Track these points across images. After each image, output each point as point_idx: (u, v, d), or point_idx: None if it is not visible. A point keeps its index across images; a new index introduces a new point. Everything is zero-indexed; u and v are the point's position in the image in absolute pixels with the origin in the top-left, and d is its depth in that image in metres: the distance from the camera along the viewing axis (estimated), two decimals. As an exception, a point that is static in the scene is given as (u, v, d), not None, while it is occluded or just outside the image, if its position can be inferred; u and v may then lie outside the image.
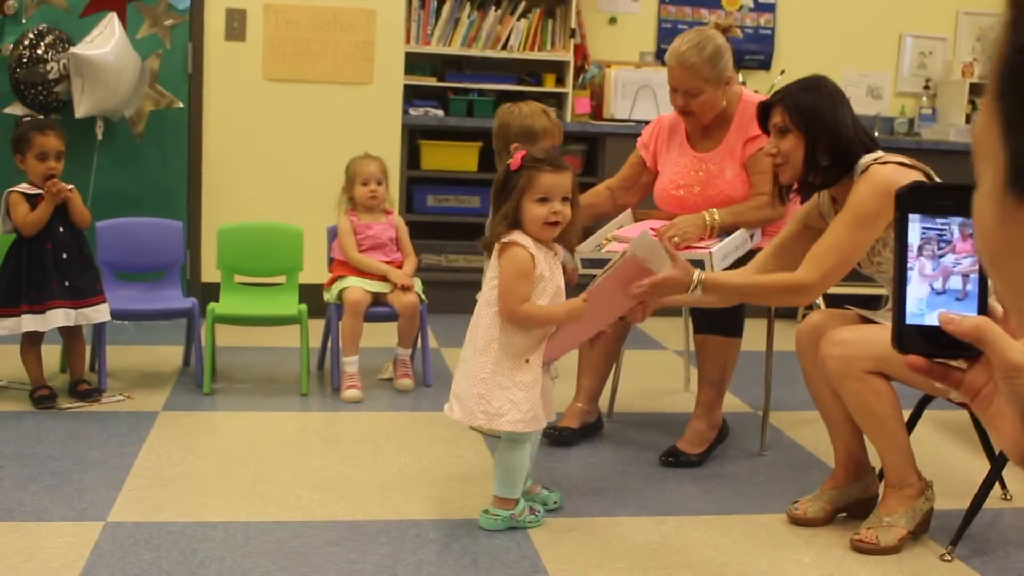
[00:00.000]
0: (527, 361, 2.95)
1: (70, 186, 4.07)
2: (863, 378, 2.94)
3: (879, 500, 3.12)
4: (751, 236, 3.63)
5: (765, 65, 6.54)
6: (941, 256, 0.90)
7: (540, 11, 6.03)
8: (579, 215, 3.05)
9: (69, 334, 4.18)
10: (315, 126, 5.72)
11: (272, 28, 5.64)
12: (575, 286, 3.23)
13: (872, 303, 4.48)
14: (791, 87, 3.11)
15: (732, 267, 3.41)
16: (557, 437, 3.80)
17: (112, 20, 5.18)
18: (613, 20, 6.40)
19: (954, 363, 0.86)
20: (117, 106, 5.30)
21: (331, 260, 4.60)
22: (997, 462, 3.13)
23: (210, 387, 4.32)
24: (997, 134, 0.62)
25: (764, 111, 3.14)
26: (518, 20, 5.99)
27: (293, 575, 2.73)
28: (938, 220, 0.90)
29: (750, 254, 3.55)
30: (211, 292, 4.84)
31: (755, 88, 5.48)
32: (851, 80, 6.55)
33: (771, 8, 6.55)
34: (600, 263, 3.49)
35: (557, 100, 5.96)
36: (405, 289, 4.40)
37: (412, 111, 5.88)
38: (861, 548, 3.00)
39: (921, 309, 0.89)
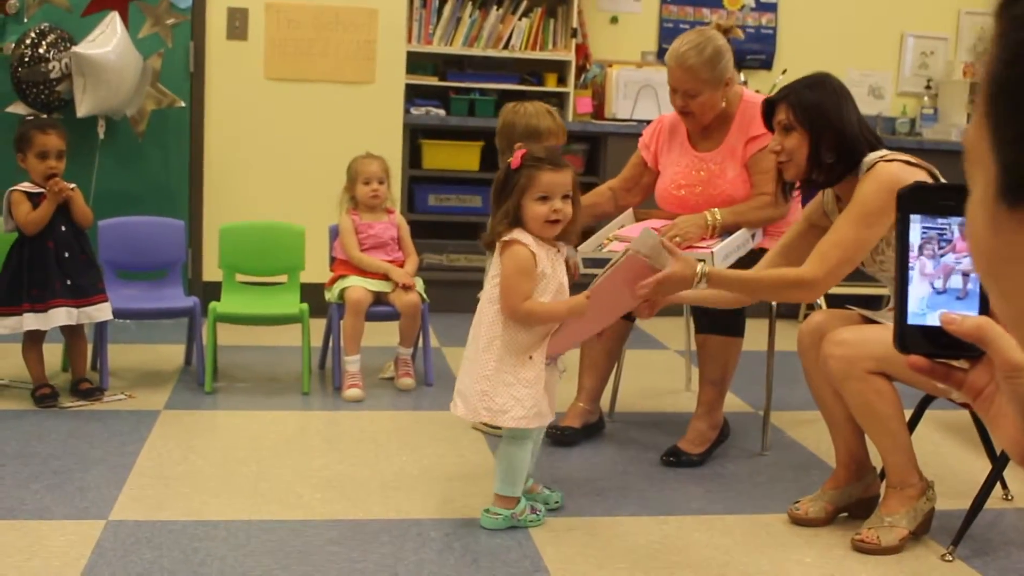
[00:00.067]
0: (530, 358, 2.97)
1: (72, 185, 4.08)
2: (865, 378, 2.94)
3: (880, 500, 3.12)
4: (752, 236, 3.63)
5: (767, 65, 6.54)
6: (942, 256, 0.90)
7: (542, 10, 6.03)
8: (580, 212, 3.05)
9: (71, 333, 4.18)
10: (317, 125, 5.72)
11: (274, 27, 5.65)
12: (576, 282, 3.23)
13: (873, 303, 4.49)
14: (795, 84, 3.10)
15: (734, 267, 3.41)
16: (559, 437, 3.80)
17: (114, 19, 5.18)
18: (615, 20, 6.40)
19: (956, 363, 0.87)
20: (119, 105, 5.30)
21: (332, 259, 4.60)
22: (998, 462, 3.13)
23: (211, 386, 4.32)
24: (987, 145, 0.62)
25: (768, 108, 3.14)
26: (520, 19, 5.99)
27: (295, 574, 2.73)
28: (939, 220, 0.90)
29: (752, 254, 3.55)
30: (213, 291, 4.84)
31: (756, 88, 5.49)
32: (852, 80, 6.54)
33: (772, 8, 6.55)
34: (602, 263, 3.49)
35: (559, 100, 5.96)
36: (406, 288, 4.40)
37: (414, 110, 5.88)
38: (862, 548, 3.00)
39: (922, 309, 0.89)
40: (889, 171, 2.94)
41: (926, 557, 3.00)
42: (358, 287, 4.38)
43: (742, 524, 3.20)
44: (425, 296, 4.48)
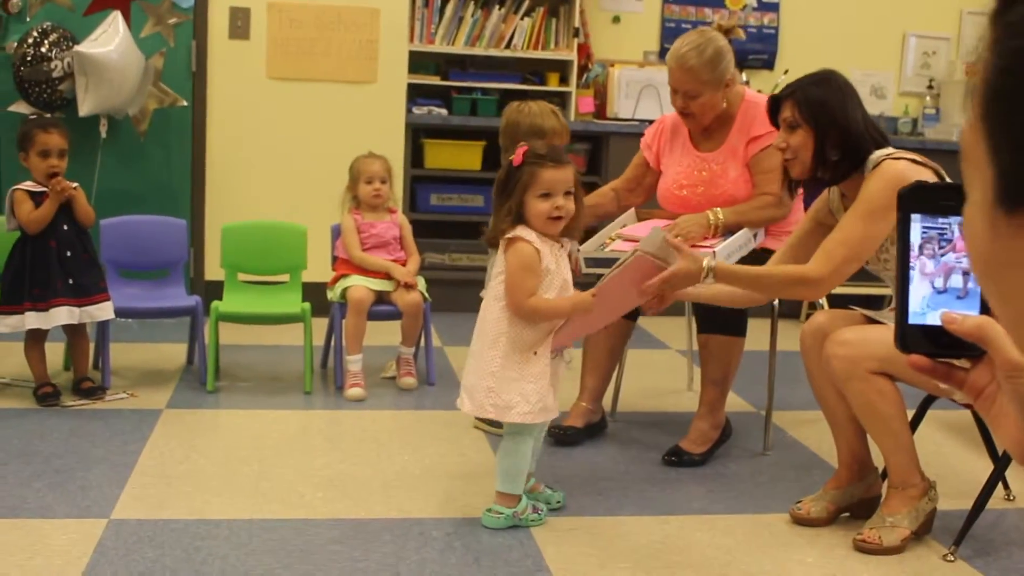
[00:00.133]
0: (535, 353, 2.98)
1: (74, 184, 4.08)
2: (868, 378, 2.94)
3: (882, 500, 3.12)
4: (755, 236, 3.63)
5: (769, 65, 6.54)
6: (942, 255, 0.90)
7: (544, 10, 6.03)
8: (583, 208, 3.07)
9: (73, 332, 4.19)
10: (319, 125, 5.73)
11: (276, 27, 5.65)
12: (579, 280, 3.23)
13: (875, 303, 4.49)
14: (801, 81, 3.09)
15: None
16: (562, 436, 3.80)
17: (116, 18, 5.19)
18: (617, 19, 6.40)
19: (957, 363, 0.87)
20: (121, 104, 5.30)
21: (335, 259, 4.60)
22: (1000, 462, 3.13)
23: (213, 385, 4.32)
24: (984, 150, 0.62)
25: (774, 105, 3.13)
26: (522, 19, 5.99)
27: (296, 573, 2.73)
28: (939, 219, 0.90)
29: (755, 255, 3.55)
30: (215, 290, 4.85)
31: (758, 88, 5.49)
32: (855, 80, 6.45)
33: (775, 7, 6.54)
34: (605, 262, 3.50)
35: (561, 99, 5.96)
36: (408, 287, 4.40)
37: (416, 110, 5.88)
38: (864, 548, 2.99)
39: (923, 308, 0.89)
40: (896, 168, 2.94)
41: (928, 557, 3.00)
42: (360, 286, 4.38)
43: (744, 524, 3.20)
44: (427, 295, 4.48)
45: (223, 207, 5.60)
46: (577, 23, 6.02)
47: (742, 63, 6.05)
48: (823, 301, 3.98)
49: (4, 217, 4.10)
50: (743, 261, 3.49)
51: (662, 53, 6.26)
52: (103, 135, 5.39)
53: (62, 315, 4.00)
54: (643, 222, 3.89)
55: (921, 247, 0.90)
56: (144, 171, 5.66)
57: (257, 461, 3.55)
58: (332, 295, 4.49)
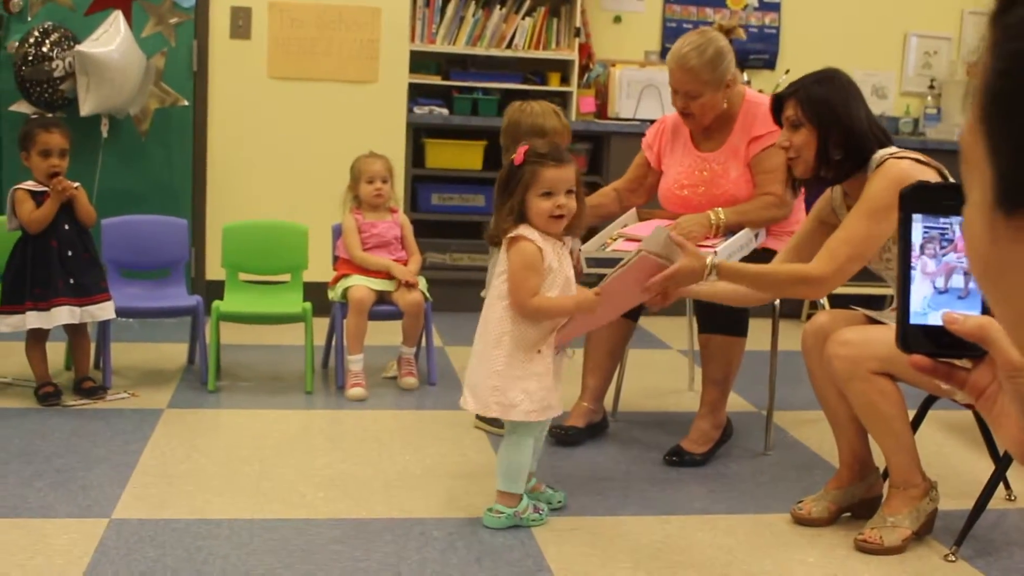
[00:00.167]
0: (539, 352, 2.99)
1: (76, 184, 4.08)
2: (869, 378, 2.93)
3: (883, 500, 3.12)
4: (756, 236, 3.63)
5: (770, 64, 6.54)
6: (944, 255, 0.90)
7: (545, 10, 6.03)
8: (584, 206, 3.07)
9: (74, 331, 4.19)
10: (320, 124, 5.73)
11: (277, 26, 5.65)
12: (580, 281, 3.24)
13: (876, 303, 4.49)
14: (804, 80, 3.09)
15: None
16: (563, 436, 3.80)
17: (117, 18, 5.19)
18: (618, 19, 6.40)
19: (958, 363, 0.87)
20: (122, 104, 5.31)
21: (336, 258, 4.60)
22: (1001, 462, 3.13)
23: (215, 385, 4.32)
24: (983, 153, 0.62)
25: (777, 104, 3.13)
26: (523, 19, 5.99)
27: (297, 573, 2.73)
28: (941, 219, 0.90)
29: (757, 255, 3.55)
30: (216, 290, 4.85)
31: (760, 88, 5.48)
32: (856, 80, 6.51)
33: (776, 7, 6.54)
34: (606, 262, 3.50)
35: (562, 99, 5.96)
36: (409, 286, 4.40)
37: (417, 109, 5.88)
38: (865, 548, 2.99)
39: (924, 308, 0.89)
40: (900, 168, 2.93)
41: (929, 557, 3.00)
42: (361, 286, 4.38)
43: (745, 524, 3.20)
44: (428, 295, 4.48)
45: (224, 207, 5.61)
46: (578, 23, 6.02)
47: (743, 63, 6.05)
48: (824, 301, 3.98)
49: (5, 217, 4.10)
50: (745, 261, 3.49)
51: (663, 53, 6.26)
52: (104, 135, 5.39)
53: (63, 315, 4.00)
54: (644, 222, 3.89)
55: (923, 247, 0.90)
56: (145, 171, 5.66)
57: (258, 461, 3.55)
58: (333, 295, 4.49)
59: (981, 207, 0.64)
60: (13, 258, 4.05)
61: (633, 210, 3.96)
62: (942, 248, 0.90)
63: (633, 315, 3.85)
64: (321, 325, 4.66)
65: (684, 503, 3.35)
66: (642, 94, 6.09)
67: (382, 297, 4.43)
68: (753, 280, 3.05)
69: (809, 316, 5.74)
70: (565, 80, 6.10)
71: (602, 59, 6.24)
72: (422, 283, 4.49)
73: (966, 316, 0.82)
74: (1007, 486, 3.43)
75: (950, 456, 3.89)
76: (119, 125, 5.52)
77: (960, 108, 6.54)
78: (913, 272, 0.89)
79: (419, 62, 5.92)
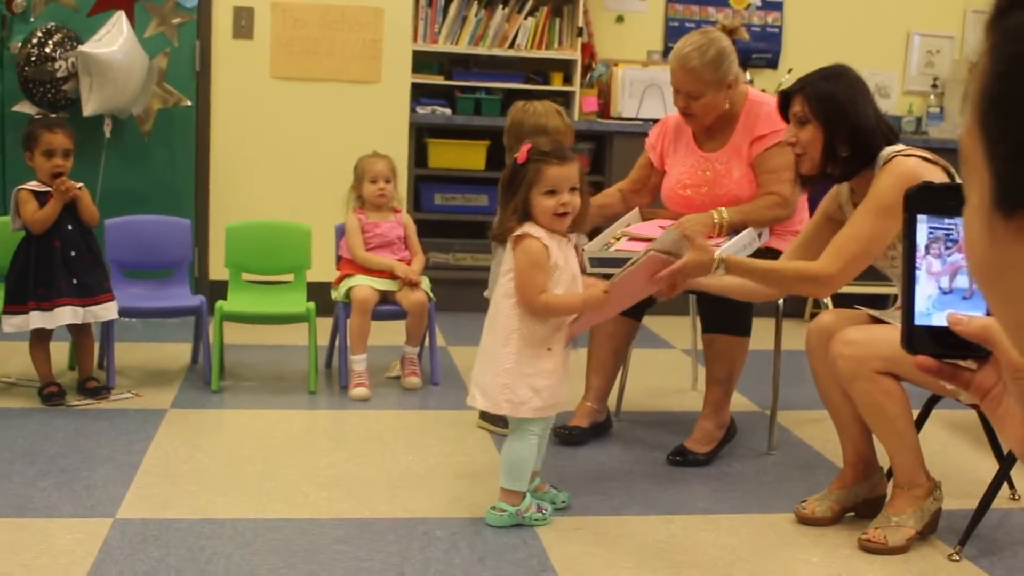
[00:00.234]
0: (549, 349, 3.00)
1: (79, 184, 4.08)
2: (874, 378, 2.93)
3: (887, 500, 3.12)
4: (759, 235, 3.63)
5: (772, 64, 6.53)
6: (948, 256, 0.90)
7: (547, 9, 6.03)
8: (588, 203, 3.09)
9: (77, 331, 4.19)
10: (323, 124, 5.73)
11: (280, 26, 5.65)
12: (585, 273, 3.26)
13: (880, 302, 4.48)
14: (812, 76, 3.07)
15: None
16: (567, 436, 3.80)
17: (120, 18, 5.19)
18: (620, 19, 6.40)
19: (963, 363, 0.87)
20: (125, 104, 5.31)
21: (339, 258, 4.60)
22: (1005, 462, 3.13)
23: (218, 385, 4.33)
24: (981, 155, 0.62)
25: (784, 100, 3.12)
26: (525, 18, 5.99)
27: (301, 573, 2.74)
28: (945, 220, 0.90)
29: (759, 254, 3.54)
30: (219, 290, 4.85)
31: (762, 87, 5.48)
32: (859, 79, 6.53)
33: (778, 6, 6.54)
34: (609, 262, 3.50)
35: (564, 99, 5.95)
36: (412, 285, 4.40)
37: (419, 109, 5.88)
38: (869, 548, 2.99)
39: (929, 309, 0.89)
40: (907, 165, 2.92)
41: (933, 557, 3.00)
42: (364, 286, 4.38)
43: (748, 523, 3.20)
44: (431, 295, 4.48)
45: (227, 207, 5.61)
46: (581, 22, 6.02)
47: (746, 62, 6.04)
48: (828, 301, 3.99)
49: (9, 217, 4.11)
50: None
51: (666, 52, 6.26)
52: (107, 135, 5.40)
53: (66, 315, 4.00)
54: (647, 222, 3.89)
55: (927, 247, 0.90)
56: (148, 171, 5.66)
57: (261, 461, 3.55)
58: (336, 295, 4.49)
59: (980, 209, 0.64)
60: (17, 258, 4.05)
61: (636, 210, 3.96)
62: (947, 249, 0.90)
63: (637, 314, 3.85)
64: (324, 325, 4.66)
65: (688, 503, 3.35)
66: (645, 94, 6.08)
67: (385, 297, 4.43)
68: (760, 276, 3.05)
69: (813, 315, 5.74)
70: (568, 80, 6.10)
71: (605, 59, 6.24)
72: (425, 283, 4.49)
73: (970, 317, 0.82)
74: (1011, 485, 3.43)
75: (954, 455, 3.88)
76: (122, 125, 5.52)
77: (960, 109, 6.62)
78: (918, 273, 0.89)
79: (422, 62, 5.92)
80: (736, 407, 3.96)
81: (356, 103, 5.74)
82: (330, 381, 4.58)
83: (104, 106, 5.19)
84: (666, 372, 4.97)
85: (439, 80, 5.99)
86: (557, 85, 6.06)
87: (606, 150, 6.03)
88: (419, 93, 5.92)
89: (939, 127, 6.61)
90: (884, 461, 3.18)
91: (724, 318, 3.65)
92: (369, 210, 4.52)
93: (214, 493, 3.25)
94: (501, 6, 5.98)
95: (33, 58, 5.16)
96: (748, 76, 6.19)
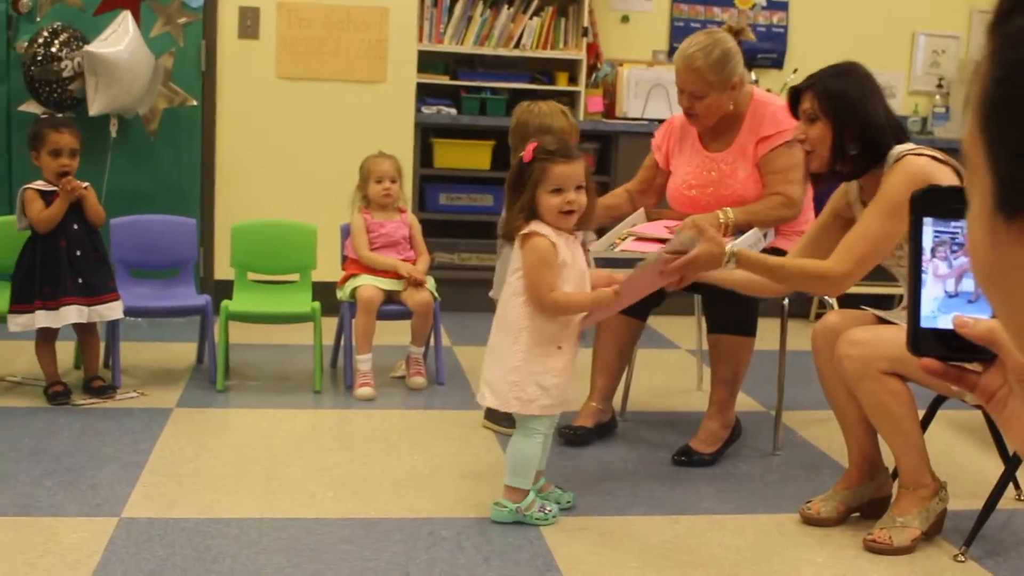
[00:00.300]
0: (559, 348, 3.01)
1: (85, 184, 4.09)
2: (880, 378, 2.93)
3: (892, 500, 3.11)
4: (764, 235, 3.63)
5: (778, 63, 6.53)
6: (954, 259, 0.90)
7: (552, 9, 6.03)
8: (595, 201, 3.09)
9: (83, 331, 4.20)
10: (328, 124, 5.73)
11: (285, 26, 5.66)
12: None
13: (885, 303, 4.47)
14: (823, 73, 3.07)
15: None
16: (572, 436, 3.80)
17: (126, 18, 5.20)
18: (626, 18, 6.40)
19: (969, 366, 0.87)
20: (131, 104, 5.32)
21: (344, 258, 4.61)
22: (1011, 463, 3.12)
23: (223, 384, 4.33)
24: (983, 159, 0.63)
25: (794, 96, 3.11)
26: (531, 18, 5.99)
27: (306, 572, 2.74)
28: (951, 223, 0.90)
29: (765, 253, 3.54)
30: (224, 289, 4.86)
31: (767, 87, 5.48)
32: (865, 79, 6.52)
33: (784, 6, 6.53)
34: (614, 262, 3.50)
35: (569, 99, 5.96)
36: (417, 284, 4.40)
37: (425, 109, 5.89)
38: (874, 548, 2.99)
39: (935, 312, 0.89)
40: (917, 164, 2.92)
41: (938, 557, 3.00)
42: (370, 286, 4.38)
43: (754, 524, 3.20)
44: (437, 295, 4.48)
45: (233, 206, 5.62)
46: (586, 22, 6.02)
47: (751, 62, 6.04)
48: (833, 301, 3.98)
49: (15, 216, 4.12)
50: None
51: (671, 52, 6.26)
52: (113, 135, 5.41)
53: (72, 314, 4.01)
54: (653, 222, 3.89)
55: (933, 250, 0.90)
56: (154, 170, 5.67)
57: (267, 460, 3.56)
58: (342, 294, 4.50)
59: (982, 212, 0.64)
60: (22, 258, 4.06)
61: (641, 210, 3.96)
62: (953, 252, 0.90)
63: (642, 315, 3.85)
64: (330, 325, 4.66)
65: (693, 503, 3.35)
66: (650, 94, 6.08)
67: (391, 297, 4.43)
68: (770, 271, 3.04)
69: (818, 316, 5.74)
70: (573, 80, 6.10)
71: (610, 59, 6.24)
72: (430, 283, 4.50)
73: (976, 320, 0.82)
74: (1016, 486, 3.43)
75: (959, 456, 3.88)
76: (128, 125, 5.53)
77: (962, 112, 6.63)
78: (924, 276, 0.89)
79: (427, 62, 5.93)
80: (741, 407, 3.96)
81: (361, 103, 5.74)
82: (335, 381, 4.59)
83: (110, 106, 5.20)
84: (671, 372, 4.97)
85: (444, 80, 6.00)
86: (562, 85, 6.07)
87: (611, 150, 6.03)
88: (424, 93, 5.93)
89: (944, 127, 6.61)
90: (889, 461, 3.18)
91: (729, 318, 3.65)
92: (375, 210, 4.53)
93: (219, 492, 3.25)
94: (506, 6, 5.98)
95: (39, 58, 5.17)
96: (753, 76, 6.19)
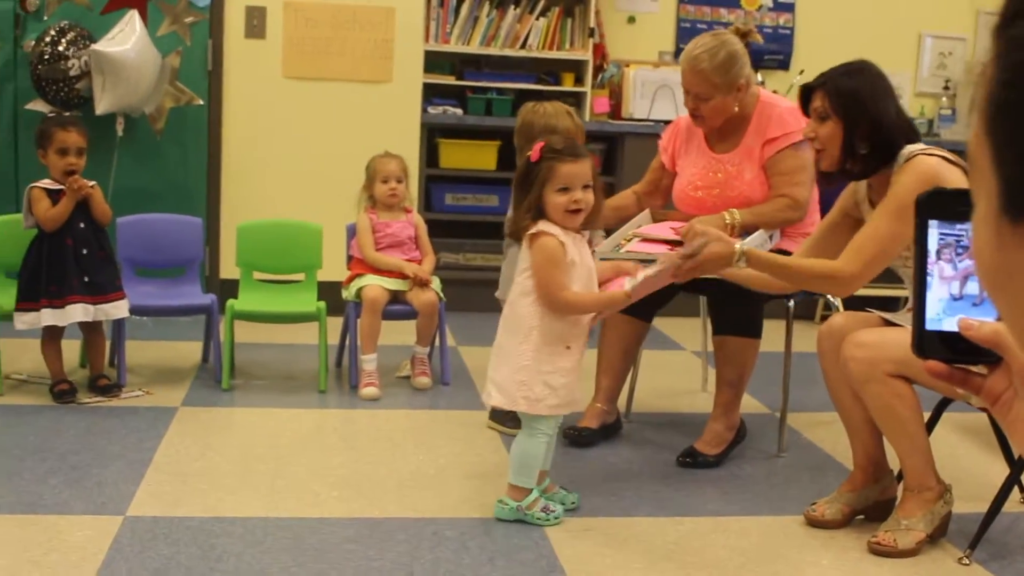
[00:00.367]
0: (568, 347, 3.02)
1: (92, 182, 4.10)
2: (885, 381, 2.92)
3: (897, 503, 3.11)
4: (770, 237, 3.62)
5: (784, 65, 6.52)
6: (959, 261, 0.90)
7: (559, 10, 6.03)
8: (602, 200, 3.10)
9: (89, 329, 4.21)
10: (334, 124, 5.74)
11: (292, 26, 5.66)
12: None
13: (891, 305, 4.47)
14: (834, 71, 3.05)
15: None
16: (577, 437, 3.80)
17: (133, 17, 5.21)
18: (632, 19, 6.40)
19: (974, 368, 0.87)
20: (138, 103, 5.32)
21: (350, 258, 4.61)
22: (1016, 466, 3.12)
23: (228, 383, 4.34)
24: (988, 161, 0.63)
25: (805, 94, 3.11)
26: (537, 19, 5.99)
27: (310, 572, 2.74)
28: (957, 226, 0.90)
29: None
30: (230, 289, 4.86)
31: (774, 88, 5.47)
32: (871, 80, 6.51)
33: (790, 8, 6.53)
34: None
35: (576, 99, 5.95)
36: (423, 284, 4.40)
37: (431, 109, 5.89)
38: (879, 551, 2.99)
39: (940, 314, 0.89)
40: (928, 164, 2.91)
41: (943, 560, 2.99)
42: (375, 286, 4.39)
43: (758, 526, 3.20)
44: (442, 295, 4.48)
45: (239, 206, 5.62)
46: (592, 23, 6.02)
47: (757, 63, 6.03)
48: (839, 303, 3.98)
49: (22, 214, 4.12)
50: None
51: (677, 53, 6.25)
52: (120, 133, 5.41)
53: (78, 312, 4.02)
54: (658, 223, 3.88)
55: (939, 253, 0.90)
56: (160, 169, 5.68)
57: (272, 459, 3.56)
58: (347, 294, 4.50)
59: (987, 214, 0.64)
60: (29, 256, 4.07)
61: (647, 211, 3.96)
62: (958, 254, 0.90)
63: (647, 316, 3.85)
64: (335, 324, 4.67)
65: (697, 504, 3.35)
66: (656, 95, 6.08)
67: (396, 297, 4.43)
68: (780, 271, 3.04)
69: (823, 318, 5.73)
70: (579, 80, 6.10)
71: (616, 59, 6.24)
72: (436, 283, 4.50)
73: (981, 322, 0.82)
74: (1022, 490, 3.42)
75: (964, 459, 3.88)
76: (134, 124, 5.54)
77: (967, 114, 6.61)
78: (929, 278, 0.89)
79: (433, 62, 5.93)
80: (746, 409, 3.96)
81: (368, 103, 5.75)
82: (340, 380, 4.59)
83: (117, 104, 5.21)
84: (676, 373, 4.97)
85: (450, 80, 6.00)
86: (568, 86, 6.07)
87: (617, 151, 6.02)
88: (430, 93, 5.93)
89: (950, 129, 6.60)
90: (894, 464, 3.17)
91: (735, 320, 3.64)
92: (380, 210, 4.53)
93: (224, 491, 3.26)
94: (513, 6, 5.98)
95: (46, 56, 5.17)
96: (759, 77, 6.19)
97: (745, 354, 3.69)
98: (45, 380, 4.19)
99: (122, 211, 4.66)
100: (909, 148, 2.97)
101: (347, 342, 4.63)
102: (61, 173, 4.03)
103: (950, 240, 0.90)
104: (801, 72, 6.09)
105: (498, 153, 5.91)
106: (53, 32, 5.21)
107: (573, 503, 3.25)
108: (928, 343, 0.89)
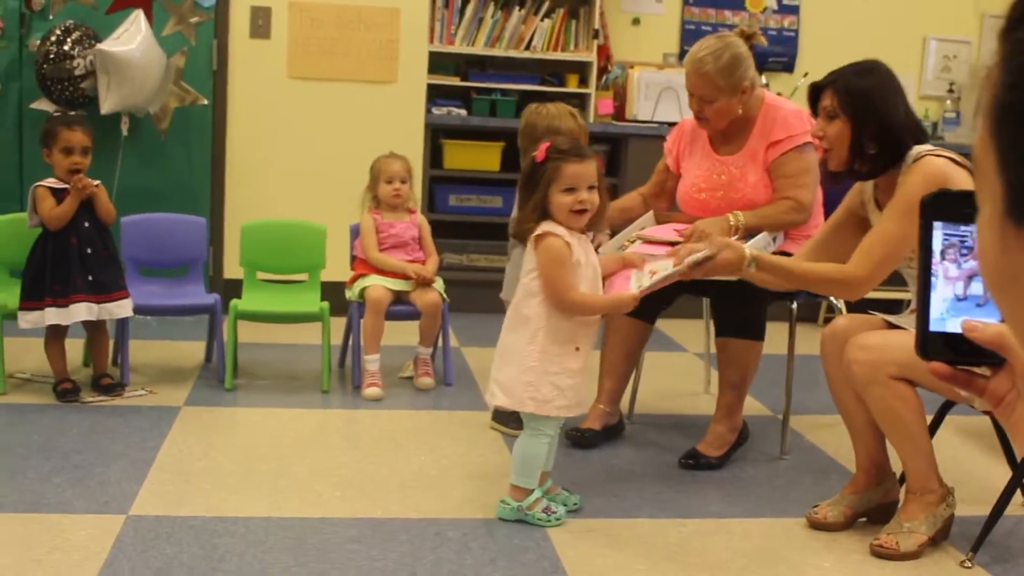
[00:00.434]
0: (576, 349, 3.02)
1: (96, 182, 4.10)
2: (888, 383, 2.92)
3: (900, 505, 3.11)
4: (774, 239, 3.62)
5: (788, 67, 6.52)
6: (963, 263, 0.90)
7: (563, 11, 6.03)
8: (607, 201, 3.10)
9: (92, 328, 4.21)
10: (338, 124, 5.74)
11: (296, 26, 5.67)
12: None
13: (894, 307, 4.47)
14: (845, 70, 3.05)
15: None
16: (579, 438, 3.80)
17: (138, 17, 5.21)
18: (636, 21, 6.40)
19: (978, 370, 0.87)
20: (142, 102, 5.33)
21: (353, 258, 4.61)
22: (1019, 469, 3.11)
23: (232, 383, 4.34)
24: (993, 164, 0.63)
25: (814, 93, 3.10)
26: (541, 20, 5.99)
27: (313, 571, 2.74)
28: (961, 227, 0.90)
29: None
30: (234, 288, 4.87)
31: (778, 91, 5.47)
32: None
33: (795, 10, 6.53)
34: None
35: (580, 101, 5.96)
36: (426, 284, 4.41)
37: (435, 110, 5.89)
38: (881, 553, 2.99)
39: (944, 316, 0.89)
40: (936, 165, 2.91)
41: (945, 563, 2.99)
42: (378, 286, 4.39)
43: (760, 528, 3.20)
44: (445, 296, 4.48)
45: (243, 206, 5.63)
46: (597, 25, 6.02)
47: (762, 66, 6.03)
48: (842, 305, 3.97)
49: (26, 213, 4.13)
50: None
51: (682, 55, 6.25)
52: (124, 133, 5.42)
53: (81, 311, 4.02)
54: (662, 225, 3.89)
55: (943, 254, 0.90)
56: (165, 169, 5.69)
57: (275, 459, 3.56)
58: (350, 294, 4.50)
59: (992, 217, 0.64)
60: (33, 255, 4.08)
61: (650, 213, 3.96)
62: (962, 255, 0.90)
63: (650, 317, 3.85)
64: (338, 324, 4.67)
65: (700, 506, 3.35)
66: (660, 96, 6.08)
67: (399, 297, 4.44)
68: (790, 275, 3.04)
69: (826, 320, 5.73)
70: (583, 82, 6.10)
71: (620, 61, 6.24)
72: (439, 283, 4.50)
73: (985, 324, 0.82)
74: (1024, 493, 3.42)
75: (967, 462, 3.87)
76: (139, 123, 5.54)
77: (973, 117, 6.60)
78: (933, 280, 0.89)
79: (438, 63, 5.93)
80: (749, 411, 3.96)
81: (372, 103, 5.75)
82: (343, 381, 4.59)
83: (121, 104, 5.22)
84: (679, 375, 4.97)
85: (455, 81, 6.00)
86: (573, 87, 6.07)
87: (621, 152, 6.02)
88: (435, 94, 5.93)
89: (955, 132, 6.59)
90: (897, 466, 3.17)
91: (738, 322, 3.64)
92: (384, 210, 4.53)
93: (227, 491, 3.26)
94: (517, 8, 5.98)
95: (51, 56, 5.18)
96: (764, 80, 6.18)
97: (748, 356, 3.69)
98: (49, 379, 4.19)
99: (126, 210, 4.66)
100: (917, 149, 2.97)
101: (350, 342, 4.63)
102: (66, 172, 4.04)
103: (954, 241, 0.90)
104: (805, 75, 6.09)
105: (502, 154, 5.91)
106: (58, 31, 5.22)
107: (575, 504, 3.25)
108: (932, 345, 0.89)
